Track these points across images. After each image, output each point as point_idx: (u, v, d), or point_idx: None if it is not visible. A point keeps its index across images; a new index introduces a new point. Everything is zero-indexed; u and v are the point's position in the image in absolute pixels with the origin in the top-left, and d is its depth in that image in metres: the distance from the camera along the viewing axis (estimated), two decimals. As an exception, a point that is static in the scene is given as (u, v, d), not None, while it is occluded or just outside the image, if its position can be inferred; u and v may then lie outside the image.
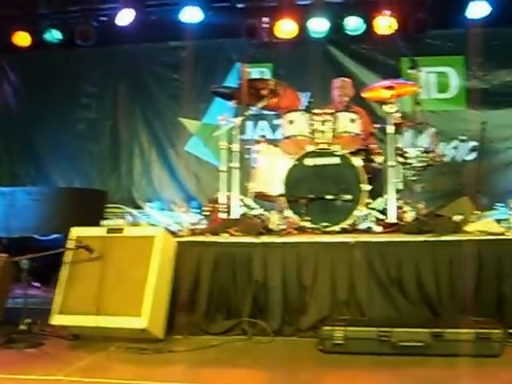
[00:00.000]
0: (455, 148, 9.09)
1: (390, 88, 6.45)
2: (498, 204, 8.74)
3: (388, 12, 8.66)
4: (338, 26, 9.08)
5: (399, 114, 6.39)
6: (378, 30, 8.86)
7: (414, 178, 6.55)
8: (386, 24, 8.75)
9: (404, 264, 5.18)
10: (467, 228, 5.67)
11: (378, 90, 6.70)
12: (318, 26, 9.01)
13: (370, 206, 6.13)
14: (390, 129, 6.15)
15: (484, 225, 5.64)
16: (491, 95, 9.10)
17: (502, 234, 5.47)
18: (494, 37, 9.05)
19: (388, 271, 5.18)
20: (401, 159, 6.35)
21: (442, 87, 9.30)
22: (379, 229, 5.91)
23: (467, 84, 9.24)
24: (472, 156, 9.10)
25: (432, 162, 6.49)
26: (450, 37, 9.19)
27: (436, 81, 9.30)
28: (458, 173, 8.91)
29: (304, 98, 8.99)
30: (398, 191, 6.26)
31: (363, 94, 7.06)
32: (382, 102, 6.47)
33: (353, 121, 6.28)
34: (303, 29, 9.08)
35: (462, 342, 4.49)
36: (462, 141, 8.97)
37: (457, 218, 5.89)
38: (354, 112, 6.44)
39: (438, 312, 5.08)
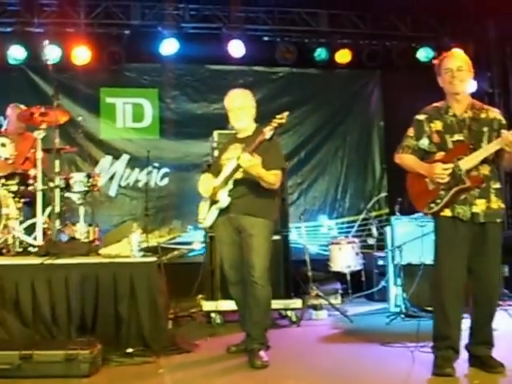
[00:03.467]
0: (149, 174, 8.80)
1: (43, 114, 6.01)
2: (189, 226, 8.70)
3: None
4: (37, 54, 8.52)
5: (57, 139, 6.04)
6: (75, 60, 8.45)
7: (79, 202, 6.23)
8: (81, 55, 8.39)
9: (20, 286, 4.76)
10: (102, 251, 5.37)
11: (32, 115, 6.20)
12: (17, 53, 8.40)
13: (20, 228, 5.68)
14: (39, 154, 5.75)
15: (117, 248, 5.36)
16: (183, 126, 9.05)
17: (132, 256, 5.23)
18: (186, 73, 9.17)
19: (3, 294, 4.72)
20: (61, 183, 5.97)
21: (138, 117, 9.01)
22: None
23: (161, 115, 9.06)
24: (164, 182, 8.95)
25: (92, 187, 6.20)
26: (146, 70, 9.00)
27: (132, 111, 9.00)
28: (150, 197, 8.67)
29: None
30: (56, 214, 5.87)
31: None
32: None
33: (3, 145, 5.84)
34: (3, 55, 8.43)
35: (51, 363, 4.17)
36: (155, 167, 8.76)
37: (122, 241, 5.60)
38: (5, 137, 5.95)
39: (53, 333, 4.72)
